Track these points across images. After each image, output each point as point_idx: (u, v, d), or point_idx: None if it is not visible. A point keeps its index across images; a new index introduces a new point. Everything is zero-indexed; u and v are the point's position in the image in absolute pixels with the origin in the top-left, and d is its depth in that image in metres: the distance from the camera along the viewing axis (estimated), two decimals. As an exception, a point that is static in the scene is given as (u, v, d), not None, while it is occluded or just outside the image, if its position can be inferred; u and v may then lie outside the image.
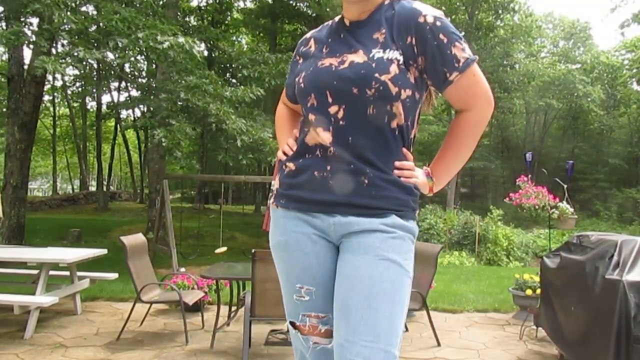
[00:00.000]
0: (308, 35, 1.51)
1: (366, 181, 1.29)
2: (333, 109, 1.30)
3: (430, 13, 1.28)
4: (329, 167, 1.31)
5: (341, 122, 1.30)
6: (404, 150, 1.35)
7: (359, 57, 1.29)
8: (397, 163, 1.32)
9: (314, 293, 1.38)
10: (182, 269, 5.70)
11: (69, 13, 7.22)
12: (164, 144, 7.91)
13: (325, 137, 1.31)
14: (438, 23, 1.27)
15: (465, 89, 1.31)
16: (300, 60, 1.47)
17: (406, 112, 1.31)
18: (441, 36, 1.26)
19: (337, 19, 1.44)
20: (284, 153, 1.44)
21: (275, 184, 1.45)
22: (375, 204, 1.30)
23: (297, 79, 1.40)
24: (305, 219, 1.36)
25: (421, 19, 1.27)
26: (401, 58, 1.27)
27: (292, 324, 1.43)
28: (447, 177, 1.42)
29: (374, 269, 1.27)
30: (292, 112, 1.62)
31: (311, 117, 1.34)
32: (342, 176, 1.30)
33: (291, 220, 1.38)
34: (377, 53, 1.28)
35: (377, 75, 1.25)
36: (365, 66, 1.27)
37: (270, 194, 1.50)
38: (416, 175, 1.34)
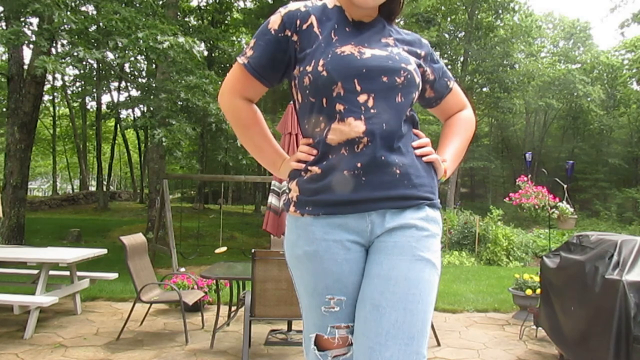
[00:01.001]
0: (302, 7, 1.33)
1: (398, 172, 1.29)
2: (362, 98, 1.27)
3: (425, 39, 1.48)
4: (359, 164, 1.26)
5: (372, 111, 1.27)
6: (415, 131, 1.39)
7: (377, 52, 1.30)
8: (414, 143, 1.35)
9: (344, 303, 1.32)
10: (182, 269, 5.70)
11: (69, 13, 7.23)
12: (164, 144, 7.93)
13: (357, 126, 1.26)
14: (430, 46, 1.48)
15: (458, 93, 1.55)
16: (295, 38, 1.31)
17: (413, 102, 1.38)
18: (438, 55, 1.51)
19: (329, 4, 1.37)
20: (300, 161, 1.35)
21: (293, 192, 1.36)
22: (410, 193, 1.30)
23: (313, 67, 1.27)
24: (338, 223, 1.30)
25: (425, 41, 1.47)
26: (413, 59, 1.38)
27: (318, 338, 1.35)
28: (455, 163, 1.48)
29: (410, 270, 1.26)
30: (253, 108, 1.42)
31: (339, 107, 1.27)
32: (374, 170, 1.27)
33: (321, 228, 1.30)
34: (393, 49, 1.34)
35: (403, 65, 1.31)
36: (390, 57, 1.31)
37: (285, 199, 1.39)
38: (433, 150, 1.40)
